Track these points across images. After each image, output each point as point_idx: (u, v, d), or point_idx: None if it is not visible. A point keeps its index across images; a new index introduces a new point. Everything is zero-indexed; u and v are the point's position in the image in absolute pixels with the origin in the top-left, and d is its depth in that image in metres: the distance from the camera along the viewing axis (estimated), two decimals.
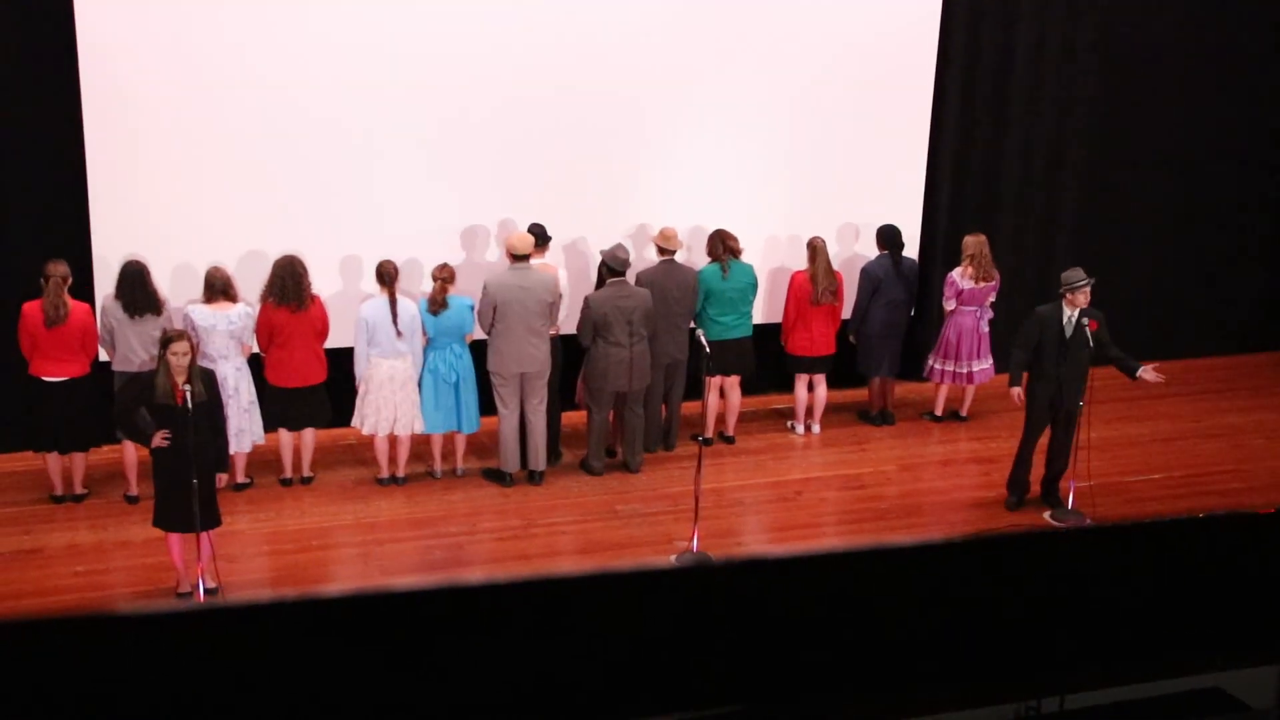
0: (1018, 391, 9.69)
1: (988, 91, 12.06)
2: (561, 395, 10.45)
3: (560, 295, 10.06)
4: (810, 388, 11.23)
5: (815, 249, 10.89)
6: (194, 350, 8.13)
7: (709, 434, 10.74)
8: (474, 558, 9.10)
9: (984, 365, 11.39)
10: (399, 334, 9.67)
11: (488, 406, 10.06)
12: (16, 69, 9.58)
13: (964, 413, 11.63)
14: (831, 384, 11.29)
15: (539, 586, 2.00)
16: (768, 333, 11.23)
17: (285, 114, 10.14)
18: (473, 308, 9.90)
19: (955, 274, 11.20)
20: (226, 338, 9.39)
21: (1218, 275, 13.44)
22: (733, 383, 10.96)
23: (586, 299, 10.07)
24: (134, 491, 9.52)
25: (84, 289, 9.64)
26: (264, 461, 10.00)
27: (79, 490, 9.57)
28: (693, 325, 10.36)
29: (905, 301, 11.35)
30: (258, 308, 9.62)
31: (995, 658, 2.44)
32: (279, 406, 9.76)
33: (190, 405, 7.84)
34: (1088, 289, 9.47)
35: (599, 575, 2.03)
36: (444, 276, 9.80)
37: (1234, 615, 2.45)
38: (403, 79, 10.33)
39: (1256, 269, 13.57)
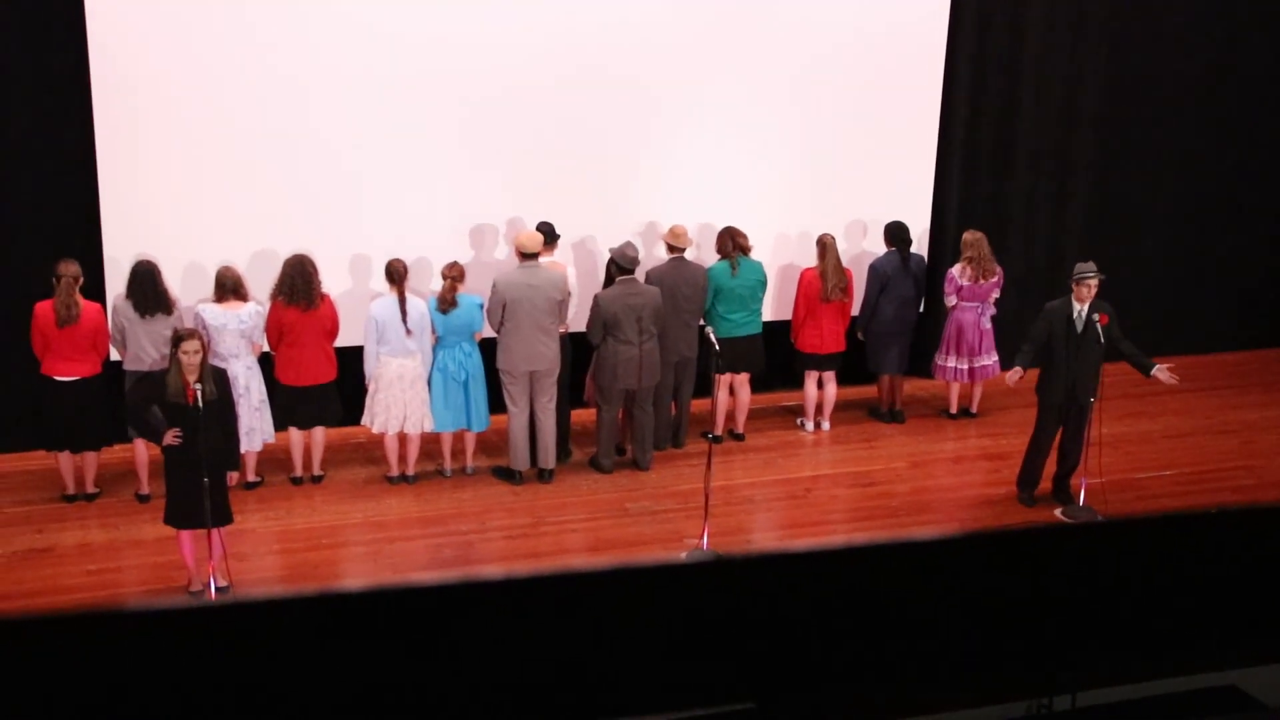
0: (1013, 373, 9.62)
1: (996, 87, 12.04)
2: (571, 393, 10.45)
3: (569, 293, 10.06)
4: (820, 385, 11.22)
5: (825, 246, 10.88)
6: (205, 349, 8.15)
7: (719, 431, 10.73)
8: (484, 556, 9.11)
9: (987, 361, 11.37)
10: (408, 332, 9.67)
11: (497, 405, 10.06)
12: (27, 70, 9.60)
13: (974, 409, 11.62)
14: (841, 381, 11.28)
15: (558, 581, 2.00)
16: (777, 330, 11.23)
17: (295, 113, 10.15)
18: (482, 306, 9.90)
19: (955, 270, 11.19)
20: (237, 337, 9.40)
21: (1230, 270, 13.40)
22: (742, 380, 10.96)
23: (596, 297, 10.06)
24: (145, 490, 9.54)
25: (95, 289, 9.65)
26: (274, 460, 10.02)
27: (90, 489, 9.59)
28: (702, 323, 10.36)
29: (914, 298, 11.34)
30: (268, 307, 9.64)
31: (1007, 655, 2.44)
32: (289, 405, 9.78)
33: (201, 404, 7.86)
34: (1094, 283, 9.46)
35: (618, 570, 2.03)
36: (453, 275, 9.81)
37: (1249, 612, 2.44)
38: (413, 77, 10.34)
39: (1269, 264, 13.53)
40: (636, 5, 10.82)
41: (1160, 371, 9.60)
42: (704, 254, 10.96)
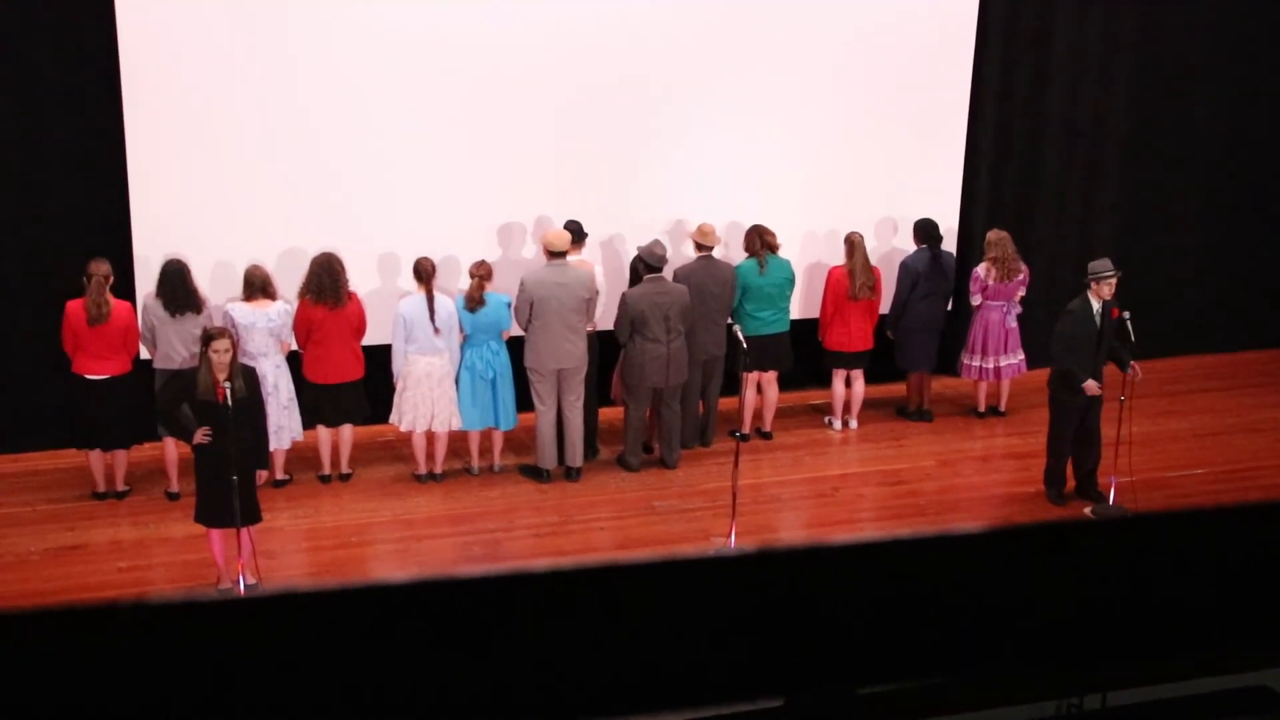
0: (1093, 383, 9.52)
1: (1026, 84, 11.99)
2: (598, 391, 10.45)
3: (597, 291, 10.06)
4: (848, 383, 11.19)
5: (853, 244, 10.86)
6: (236, 348, 8.19)
7: (746, 430, 10.71)
8: (511, 554, 9.12)
9: (1012, 360, 11.31)
10: (436, 331, 9.69)
11: (525, 403, 10.08)
12: (57, 69, 9.67)
13: (1002, 408, 11.57)
14: (869, 379, 11.25)
15: (582, 574, 2.00)
16: (805, 328, 11.20)
17: (325, 112, 10.18)
18: (510, 305, 9.92)
19: (979, 270, 11.15)
20: (266, 335, 9.44)
21: (1259, 268, 13.29)
22: (770, 378, 10.94)
23: (624, 295, 10.06)
24: (175, 488, 9.59)
25: (125, 288, 9.71)
26: (303, 458, 10.05)
27: (121, 487, 9.65)
28: (730, 321, 10.35)
29: (944, 296, 11.30)
30: (296, 305, 9.67)
31: (1036, 653, 2.42)
32: (317, 403, 9.81)
33: (231, 402, 7.90)
34: (1113, 281, 9.45)
35: (643, 564, 2.03)
36: (481, 274, 9.82)
37: None
38: (443, 77, 10.36)
39: None
40: (669, 2, 10.81)
41: (1131, 369, 9.56)
42: (732, 252, 10.94)
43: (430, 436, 9.99)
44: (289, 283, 9.80)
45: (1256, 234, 13.20)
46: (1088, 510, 9.82)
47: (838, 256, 11.06)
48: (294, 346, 9.75)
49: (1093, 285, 9.49)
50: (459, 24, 10.35)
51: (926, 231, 11.16)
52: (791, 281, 10.81)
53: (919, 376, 11.44)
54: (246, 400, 8.05)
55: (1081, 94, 12.19)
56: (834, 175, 11.46)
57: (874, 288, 10.93)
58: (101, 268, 9.25)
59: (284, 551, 9.02)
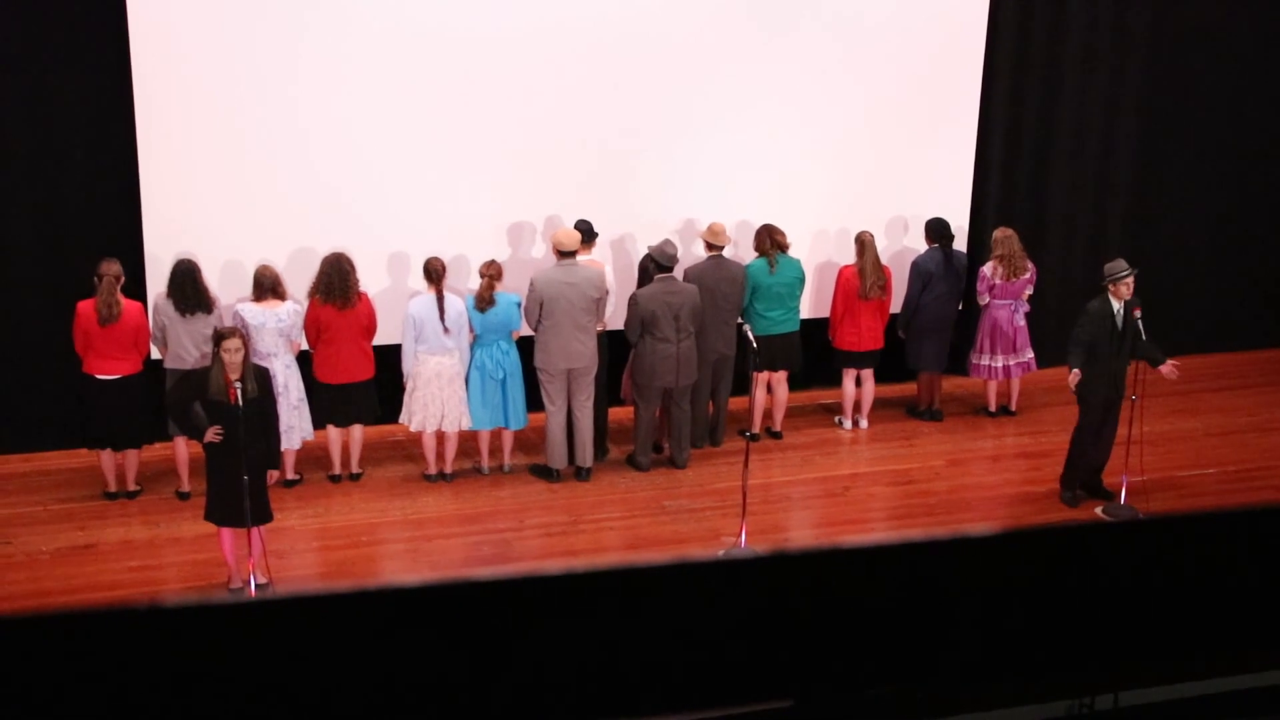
0: (1073, 376, 9.54)
1: (1036, 82, 11.96)
2: (608, 391, 10.45)
3: (607, 291, 10.06)
4: (858, 383, 11.18)
5: (863, 243, 10.85)
6: (247, 348, 8.20)
7: (756, 429, 10.71)
8: (521, 553, 9.13)
9: (1021, 359, 11.29)
10: (446, 331, 9.70)
11: (535, 403, 10.08)
12: (69, 70, 9.68)
13: (1013, 407, 11.55)
14: (879, 379, 11.24)
15: (594, 577, 2.00)
16: (815, 327, 11.19)
17: (334, 113, 10.19)
18: (520, 304, 9.92)
19: (986, 269, 11.14)
20: (276, 335, 9.46)
21: (1270, 267, 13.25)
22: (780, 378, 10.93)
23: (634, 295, 10.05)
24: (186, 488, 9.61)
25: (136, 287, 9.73)
26: (313, 458, 10.06)
27: (132, 487, 9.67)
28: (740, 320, 10.34)
29: (955, 295, 11.28)
30: (305, 305, 9.69)
31: (1047, 653, 2.42)
32: (327, 403, 9.82)
33: (242, 402, 7.91)
34: (1130, 280, 9.44)
35: (653, 567, 2.03)
36: (491, 273, 9.83)
37: None
38: (453, 76, 10.36)
39: None
40: (680, 1, 10.79)
41: (1166, 367, 9.55)
42: (742, 252, 10.93)
43: (440, 436, 10.00)
44: (299, 283, 9.81)
45: (1268, 233, 13.16)
46: (1099, 510, 9.80)
47: (848, 256, 11.05)
48: (304, 346, 9.76)
49: (1110, 287, 9.47)
50: (471, 23, 10.34)
51: (938, 231, 11.14)
52: (802, 281, 10.80)
53: (929, 376, 11.43)
54: (258, 400, 8.07)
55: (1092, 93, 12.16)
56: (845, 174, 11.44)
57: (884, 287, 10.92)
58: (112, 268, 9.27)
59: (294, 551, 9.03)
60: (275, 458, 8.41)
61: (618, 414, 10.68)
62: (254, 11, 9.92)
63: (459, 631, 1.97)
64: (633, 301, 10.03)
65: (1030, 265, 11.16)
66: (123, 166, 9.86)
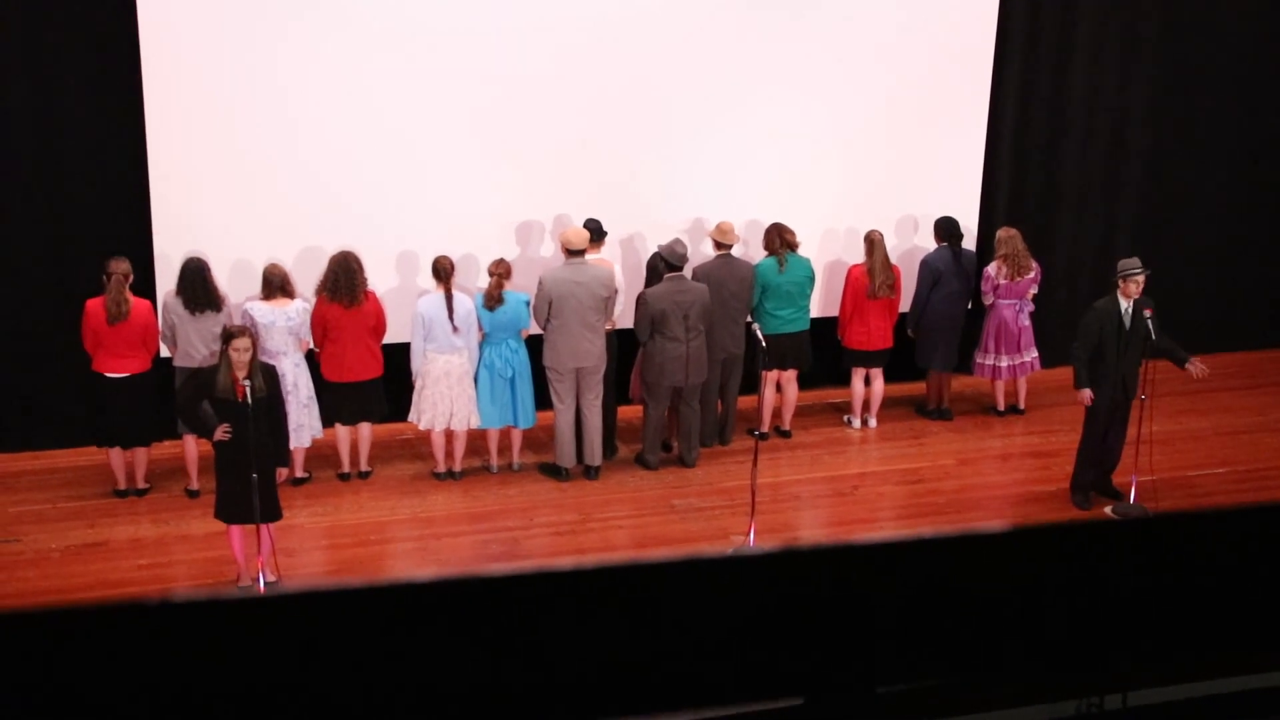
0: (1088, 393, 9.52)
1: (1046, 82, 11.94)
2: (617, 390, 10.45)
3: (616, 290, 10.06)
4: (867, 382, 11.17)
5: (872, 242, 10.84)
6: (256, 346, 8.21)
7: (765, 428, 10.70)
8: (530, 552, 9.13)
9: (1026, 358, 11.28)
10: (455, 329, 9.70)
11: (544, 401, 10.08)
12: (78, 67, 9.71)
13: (1022, 406, 11.53)
14: (888, 378, 11.23)
15: (604, 573, 2.00)
16: (825, 326, 11.18)
17: (344, 111, 10.20)
18: (529, 303, 9.92)
19: (990, 269, 11.12)
20: (285, 334, 9.47)
21: None
22: (789, 377, 10.92)
23: (643, 294, 10.05)
24: (195, 486, 9.62)
25: (145, 286, 9.75)
26: (322, 456, 10.08)
27: (141, 485, 9.69)
28: (749, 319, 10.33)
29: (964, 294, 11.27)
30: (314, 303, 9.70)
31: (1056, 652, 2.42)
32: (335, 401, 9.83)
33: (251, 400, 7.92)
34: (1141, 279, 9.40)
35: (663, 563, 2.03)
36: (500, 272, 9.83)
37: None
38: (461, 75, 10.36)
39: None
40: (681, 2, 10.79)
41: (1192, 365, 9.53)
42: (751, 250, 10.93)
43: (449, 435, 10.01)
44: (308, 281, 9.83)
45: (1277, 232, 13.12)
46: (1108, 509, 9.79)
47: (857, 255, 11.04)
48: (313, 345, 9.77)
49: (1120, 284, 9.44)
50: (479, 22, 10.35)
51: (947, 230, 11.13)
52: (811, 280, 10.79)
53: (939, 375, 11.41)
54: (266, 398, 8.07)
55: (1102, 93, 12.14)
56: (854, 173, 11.43)
57: (894, 286, 10.91)
58: (121, 266, 9.28)
59: (303, 549, 9.04)
60: (284, 455, 8.41)
61: (626, 413, 10.68)
62: (263, 13, 9.93)
63: (468, 627, 1.97)
64: (642, 300, 10.03)
65: (1034, 265, 11.15)
66: (133, 165, 9.88)
